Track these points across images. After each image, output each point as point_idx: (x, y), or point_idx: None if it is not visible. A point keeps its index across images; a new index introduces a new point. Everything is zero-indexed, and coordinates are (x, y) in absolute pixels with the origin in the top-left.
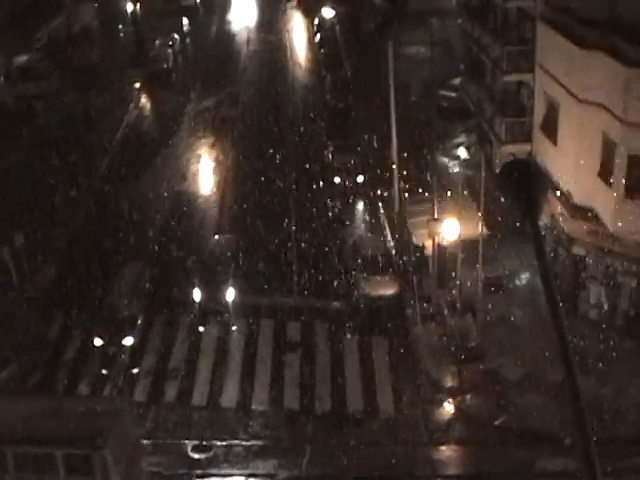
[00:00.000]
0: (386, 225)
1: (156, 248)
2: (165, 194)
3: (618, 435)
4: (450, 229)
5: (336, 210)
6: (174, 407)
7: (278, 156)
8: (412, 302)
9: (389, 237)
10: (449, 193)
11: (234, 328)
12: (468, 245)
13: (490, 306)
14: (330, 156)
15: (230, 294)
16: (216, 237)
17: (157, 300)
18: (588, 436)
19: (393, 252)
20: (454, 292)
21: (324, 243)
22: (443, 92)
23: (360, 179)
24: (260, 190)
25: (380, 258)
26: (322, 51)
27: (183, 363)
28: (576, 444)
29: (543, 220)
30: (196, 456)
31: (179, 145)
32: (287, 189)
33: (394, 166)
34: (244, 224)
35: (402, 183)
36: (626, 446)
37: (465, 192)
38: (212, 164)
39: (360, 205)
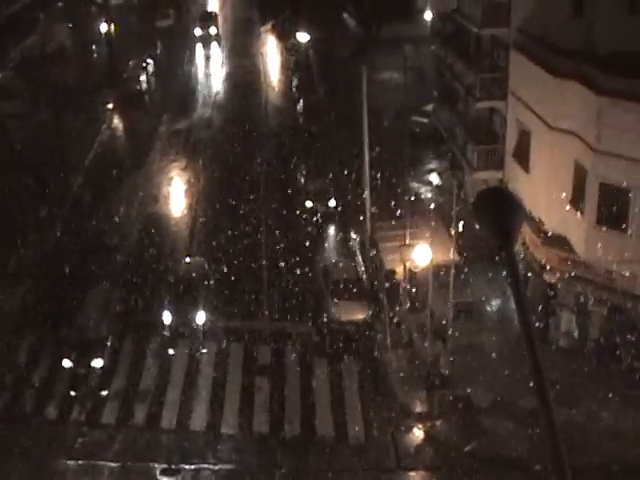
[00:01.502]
0: (357, 250)
1: (126, 270)
2: (136, 216)
3: (590, 462)
4: (421, 255)
5: (308, 234)
6: (143, 430)
7: (250, 180)
8: (383, 327)
9: (360, 262)
10: (421, 219)
11: (204, 351)
12: (439, 271)
13: (461, 332)
14: (302, 180)
15: (200, 317)
16: (187, 260)
17: (127, 322)
18: (564, 464)
19: (364, 277)
20: (425, 318)
21: (295, 267)
22: (416, 118)
23: (332, 203)
24: (231, 213)
25: (351, 283)
26: (296, 75)
27: (152, 386)
28: (546, 471)
29: (515, 247)
30: (164, 479)
31: (151, 167)
32: (258, 213)
33: (366, 191)
34: (215, 247)
35: (374, 208)
36: (597, 473)
37: (437, 218)
38: (184, 186)
39: (332, 230)
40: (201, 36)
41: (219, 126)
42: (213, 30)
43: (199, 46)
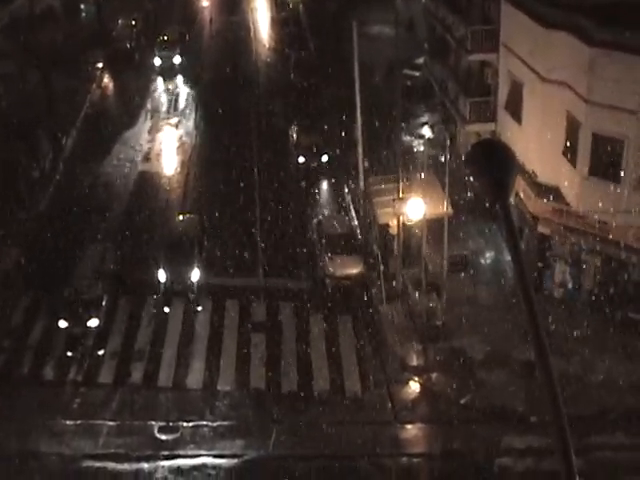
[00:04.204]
0: (351, 204)
1: (120, 229)
2: (128, 174)
3: (586, 412)
4: (415, 208)
5: (301, 189)
6: (140, 389)
7: (242, 136)
8: (377, 281)
9: (354, 216)
10: (414, 172)
11: (199, 309)
12: (433, 224)
13: (455, 285)
14: (295, 135)
15: (195, 275)
16: (180, 217)
17: (121, 281)
18: (561, 413)
19: (358, 231)
20: (419, 271)
21: (289, 223)
22: (407, 71)
23: (325, 159)
24: (224, 170)
25: (345, 237)
26: (286, 31)
27: (148, 345)
28: (544, 421)
29: (509, 200)
30: (163, 437)
31: (143, 125)
32: (251, 168)
33: (358, 145)
34: (209, 204)
35: (366, 162)
36: (594, 422)
37: (430, 171)
38: (176, 144)
39: (325, 184)
40: None
41: (209, 82)
42: None
43: (188, 2)
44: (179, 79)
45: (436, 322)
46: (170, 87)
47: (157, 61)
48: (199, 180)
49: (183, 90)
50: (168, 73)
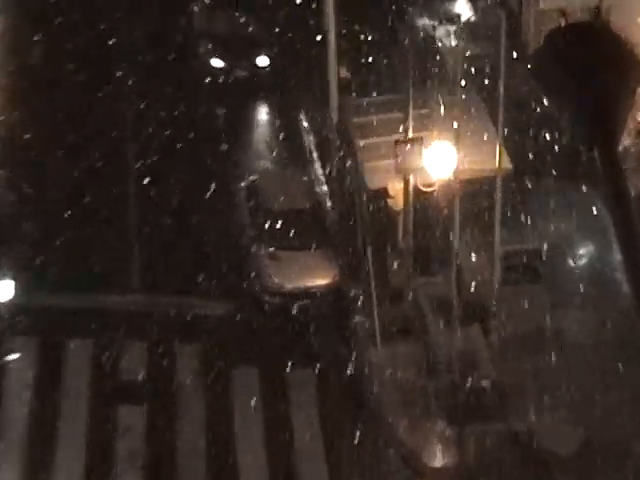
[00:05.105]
0: (314, 151)
1: None
2: None
3: None
4: (439, 160)
5: (215, 120)
6: None
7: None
8: (365, 302)
9: (319, 174)
10: (437, 91)
11: (11, 358)
12: (473, 192)
13: (516, 308)
14: (203, 14)
15: (6, 289)
16: None
17: None
18: None
19: (327, 204)
20: (446, 282)
21: (194, 189)
22: None
23: (262, 61)
24: (73, 91)
25: (301, 216)
26: None
27: None
28: None
29: (620, 143)
30: None
31: None
32: (125, 81)
33: (329, 33)
34: (38, 153)
35: (344, 69)
36: None
37: (469, 90)
38: None
39: (263, 109)
40: None
41: None
42: None
43: None
44: None
45: (481, 383)
46: None
47: None
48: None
49: None
50: None
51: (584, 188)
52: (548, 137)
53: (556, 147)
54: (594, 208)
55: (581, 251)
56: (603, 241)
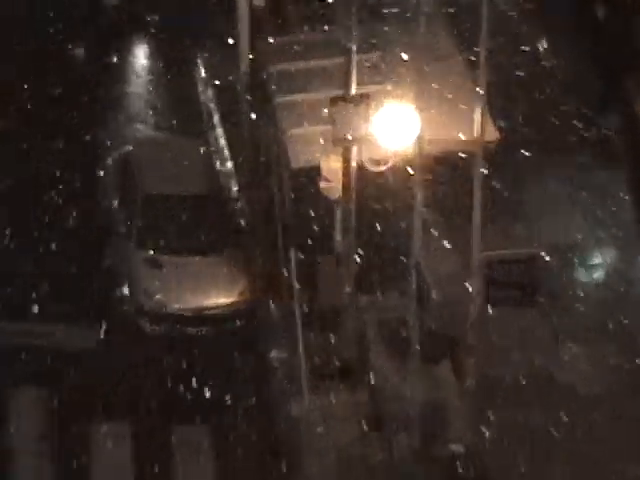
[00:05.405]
0: (214, 112)
1: None
2: None
3: None
4: (396, 128)
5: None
6: None
7: None
8: (284, 331)
9: (222, 146)
10: (395, 24)
11: None
12: (443, 173)
13: (503, 339)
14: None
15: None
16: None
17: None
18: None
19: (233, 188)
20: (405, 300)
21: (41, 165)
22: None
23: None
24: None
25: (197, 204)
26: None
27: None
28: None
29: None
30: None
31: None
32: None
33: None
34: None
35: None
36: None
37: (438, 26)
38: None
39: (141, 55)
40: None
41: None
42: None
43: None
44: None
45: (451, 447)
46: None
47: None
48: None
49: None
50: None
51: (599, 171)
52: (548, 98)
53: (560, 112)
54: (613, 198)
55: (595, 259)
56: (626, 245)
